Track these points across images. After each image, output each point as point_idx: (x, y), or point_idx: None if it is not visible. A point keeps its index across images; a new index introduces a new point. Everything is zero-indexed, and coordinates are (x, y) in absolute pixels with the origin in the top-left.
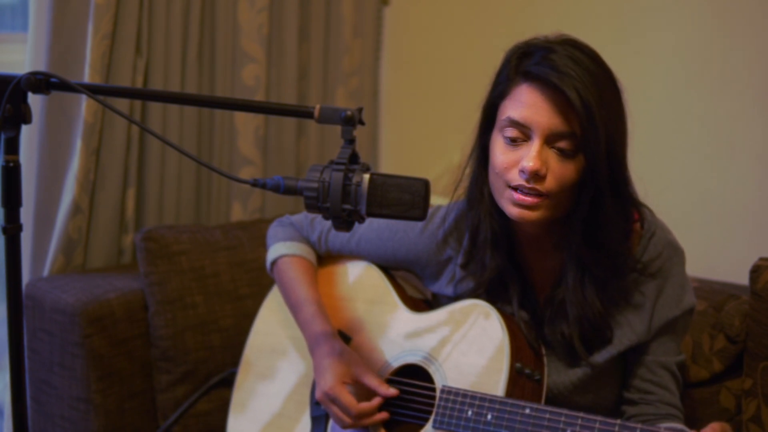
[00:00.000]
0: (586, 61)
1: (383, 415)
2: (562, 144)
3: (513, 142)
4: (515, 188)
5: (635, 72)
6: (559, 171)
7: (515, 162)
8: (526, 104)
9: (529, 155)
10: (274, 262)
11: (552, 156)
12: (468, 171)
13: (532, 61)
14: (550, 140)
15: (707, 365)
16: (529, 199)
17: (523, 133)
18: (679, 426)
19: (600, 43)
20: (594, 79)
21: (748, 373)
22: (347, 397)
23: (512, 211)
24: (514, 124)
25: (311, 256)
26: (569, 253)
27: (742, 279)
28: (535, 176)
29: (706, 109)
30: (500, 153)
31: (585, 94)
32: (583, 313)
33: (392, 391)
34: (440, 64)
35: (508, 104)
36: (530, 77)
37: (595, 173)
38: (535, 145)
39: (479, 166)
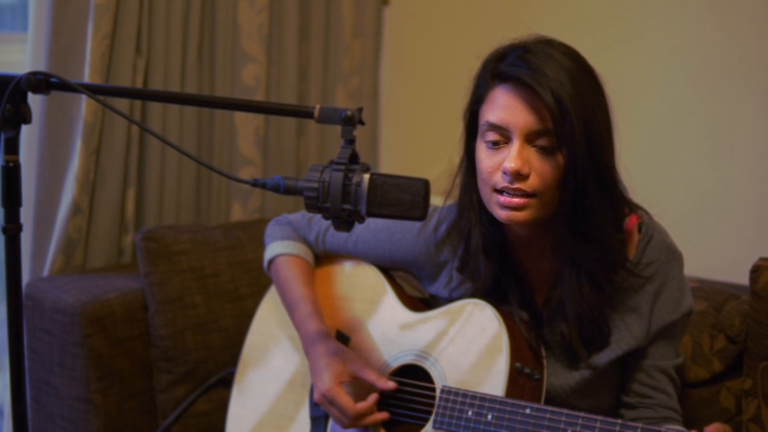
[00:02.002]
0: (560, 57)
1: (383, 415)
2: (542, 141)
3: (495, 145)
4: (501, 191)
5: (635, 72)
6: (541, 169)
7: (498, 165)
8: (502, 106)
9: (510, 156)
10: (271, 261)
11: (533, 154)
12: (458, 180)
13: (506, 62)
14: (529, 139)
15: (707, 365)
16: (516, 200)
17: (503, 136)
18: (679, 428)
19: (600, 43)
20: (568, 74)
21: (748, 373)
22: (344, 398)
23: (500, 213)
24: (493, 127)
25: (308, 255)
26: (563, 252)
27: (742, 279)
28: (518, 176)
29: (706, 109)
30: (484, 158)
31: (557, 89)
32: (582, 311)
33: (391, 384)
34: (440, 65)
35: (485, 108)
36: (504, 78)
37: (576, 166)
38: (515, 145)
39: (467, 174)
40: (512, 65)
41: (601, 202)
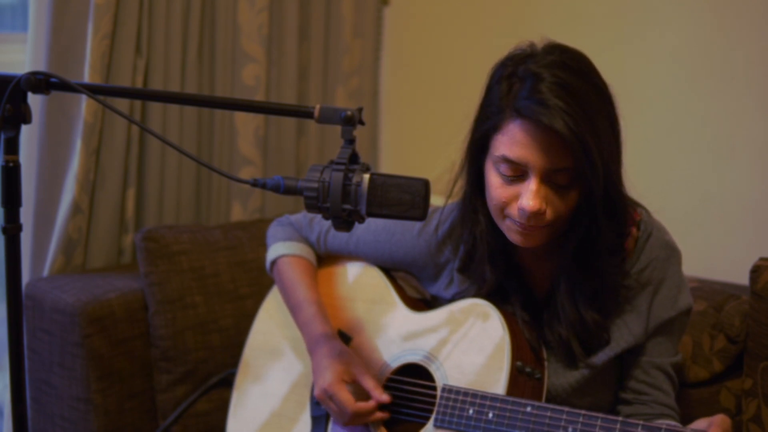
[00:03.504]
0: (574, 83)
1: (383, 414)
2: (559, 178)
3: (509, 178)
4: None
5: (636, 72)
6: (557, 204)
7: (513, 197)
8: (521, 143)
9: (528, 194)
10: (273, 262)
11: (550, 191)
12: (460, 185)
13: (521, 94)
14: (546, 176)
15: (707, 365)
16: (531, 229)
17: (518, 170)
18: (677, 424)
19: (600, 43)
20: (585, 106)
21: (748, 373)
22: (345, 395)
23: (514, 238)
24: (509, 162)
25: (311, 256)
26: (561, 265)
27: (742, 279)
28: (536, 214)
29: (706, 109)
30: (497, 187)
31: (577, 128)
32: (577, 319)
33: (385, 397)
34: (440, 65)
35: (501, 140)
36: (521, 114)
37: (592, 198)
38: (532, 183)
39: (472, 187)
40: (528, 99)
41: (609, 228)
